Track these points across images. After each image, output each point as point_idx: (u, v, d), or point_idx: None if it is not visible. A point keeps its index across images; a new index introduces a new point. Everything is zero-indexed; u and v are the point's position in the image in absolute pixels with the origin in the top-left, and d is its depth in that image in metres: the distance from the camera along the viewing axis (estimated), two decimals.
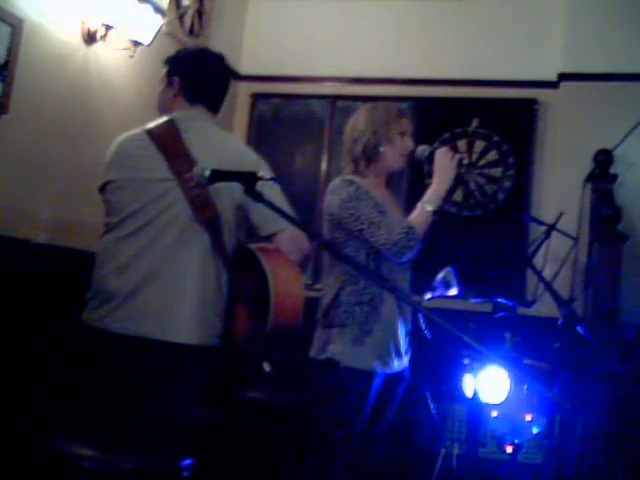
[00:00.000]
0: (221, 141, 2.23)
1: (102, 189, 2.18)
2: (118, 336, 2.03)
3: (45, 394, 2.62)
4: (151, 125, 2.19)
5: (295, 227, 2.03)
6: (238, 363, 2.32)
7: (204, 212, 2.07)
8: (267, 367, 2.02)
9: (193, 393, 2.07)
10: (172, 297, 2.05)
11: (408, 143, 2.46)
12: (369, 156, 2.43)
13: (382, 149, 2.42)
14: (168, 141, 2.13)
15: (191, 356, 2.05)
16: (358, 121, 2.48)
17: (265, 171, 2.10)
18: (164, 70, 2.30)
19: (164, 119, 2.21)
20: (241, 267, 2.14)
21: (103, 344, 2.07)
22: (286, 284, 2.04)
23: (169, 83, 2.27)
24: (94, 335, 2.08)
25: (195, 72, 2.26)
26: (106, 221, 2.16)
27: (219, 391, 2.22)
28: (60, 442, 1.95)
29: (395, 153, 2.45)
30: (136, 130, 2.20)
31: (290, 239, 2.11)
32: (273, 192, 2.05)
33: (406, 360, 2.46)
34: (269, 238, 2.14)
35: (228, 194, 2.09)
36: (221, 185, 1.94)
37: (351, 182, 2.37)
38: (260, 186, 1.76)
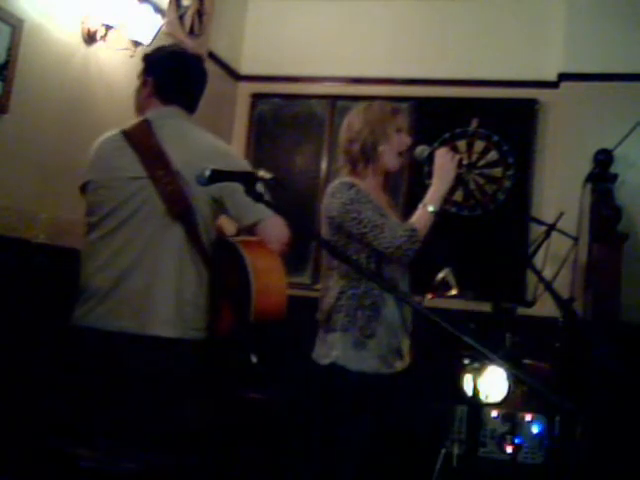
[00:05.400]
0: (194, 138, 2.24)
1: (82, 190, 2.24)
2: (98, 332, 2.07)
3: (46, 394, 2.63)
4: (127, 126, 2.24)
5: (275, 216, 2.07)
6: (224, 356, 2.34)
7: (178, 207, 2.10)
8: (254, 359, 2.03)
9: (178, 387, 2.09)
10: (149, 291, 2.09)
11: (405, 139, 2.46)
12: (367, 155, 2.43)
13: (380, 148, 2.42)
14: (142, 140, 2.17)
15: (171, 349, 2.08)
16: (353, 121, 2.47)
17: (241, 165, 2.17)
18: (141, 67, 2.33)
19: (139, 119, 2.25)
20: (224, 260, 2.17)
21: (85, 341, 2.11)
22: (266, 275, 2.07)
23: (144, 82, 2.31)
24: (77, 333, 2.13)
25: (168, 74, 2.29)
26: (86, 221, 2.20)
27: (212, 387, 2.23)
28: (61, 442, 1.95)
29: (393, 150, 2.44)
30: (113, 131, 2.25)
31: (270, 229, 2.12)
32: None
33: (408, 360, 2.46)
34: (250, 229, 2.17)
35: (202, 188, 2.10)
36: (192, 179, 1.96)
37: (351, 185, 2.36)
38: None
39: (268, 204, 1.80)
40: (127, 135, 2.20)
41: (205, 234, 2.16)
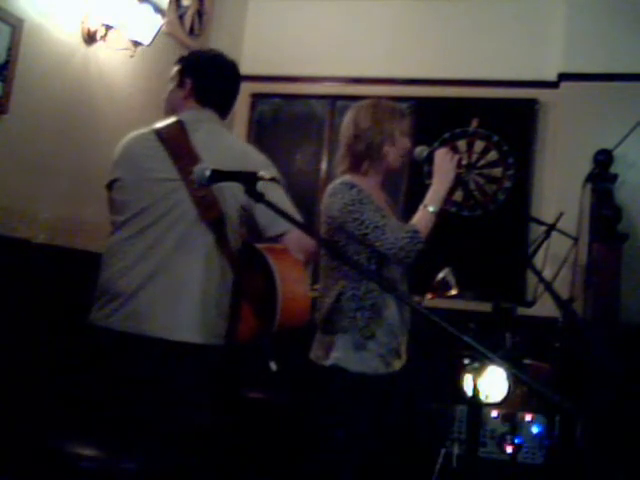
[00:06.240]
0: (229, 143, 2.23)
1: (109, 187, 2.18)
2: (120, 334, 2.03)
3: (46, 394, 2.63)
4: (159, 125, 2.19)
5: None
6: (243, 362, 2.32)
7: (209, 212, 2.07)
8: (273, 366, 2.01)
9: (196, 392, 2.07)
10: (175, 296, 2.05)
11: (407, 143, 2.47)
12: (372, 154, 2.42)
13: (385, 148, 2.42)
14: (176, 141, 2.13)
15: (193, 355, 2.05)
16: (361, 118, 2.45)
17: (272, 174, 2.09)
18: (176, 69, 2.29)
19: (172, 119, 2.20)
20: (247, 266, 2.13)
21: (105, 342, 2.07)
22: (293, 285, 2.03)
23: (181, 84, 2.26)
24: (97, 334, 2.08)
25: (209, 76, 2.27)
26: (112, 220, 2.16)
27: (223, 391, 2.22)
28: (61, 442, 1.95)
29: (396, 153, 2.45)
30: (144, 129, 2.20)
31: (297, 239, 2.09)
32: (277, 193, 2.06)
33: (404, 358, 2.46)
34: (276, 239, 2.14)
35: (232, 194, 2.09)
36: (225, 185, 1.94)
37: (352, 185, 2.35)
38: (264, 187, 1.75)
39: (287, 217, 1.75)
40: (160, 135, 2.15)
41: (233, 240, 2.13)
